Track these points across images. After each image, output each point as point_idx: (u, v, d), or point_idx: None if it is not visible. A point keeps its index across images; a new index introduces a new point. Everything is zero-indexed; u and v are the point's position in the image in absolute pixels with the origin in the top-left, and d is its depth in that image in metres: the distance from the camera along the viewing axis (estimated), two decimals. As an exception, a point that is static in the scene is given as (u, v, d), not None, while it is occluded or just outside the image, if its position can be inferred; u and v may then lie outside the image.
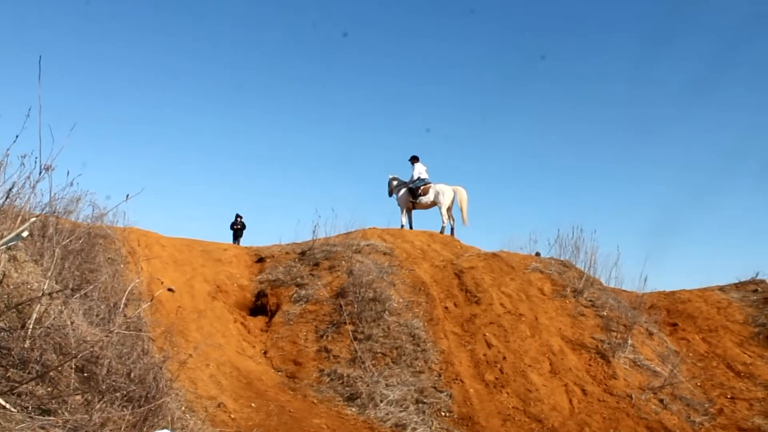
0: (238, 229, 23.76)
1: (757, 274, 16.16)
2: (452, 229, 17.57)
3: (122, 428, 4.56)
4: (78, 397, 4.75)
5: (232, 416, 8.72)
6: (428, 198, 17.65)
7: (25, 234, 5.03)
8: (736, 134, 59.31)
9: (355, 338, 11.84)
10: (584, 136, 68.38)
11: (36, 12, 60.79)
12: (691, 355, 13.16)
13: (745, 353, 13.12)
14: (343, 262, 14.25)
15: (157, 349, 7.71)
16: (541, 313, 13.06)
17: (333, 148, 75.32)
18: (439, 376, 11.01)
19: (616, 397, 10.97)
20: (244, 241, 22.68)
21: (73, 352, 4.84)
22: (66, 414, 4.42)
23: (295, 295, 13.49)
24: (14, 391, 4.35)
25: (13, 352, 4.67)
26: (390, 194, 18.65)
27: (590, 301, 13.84)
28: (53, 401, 4.53)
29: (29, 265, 6.17)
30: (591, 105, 69.21)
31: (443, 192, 17.49)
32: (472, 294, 13.39)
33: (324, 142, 74.35)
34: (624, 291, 15.31)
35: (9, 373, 4.54)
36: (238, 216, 23.98)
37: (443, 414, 10.14)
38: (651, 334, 13.33)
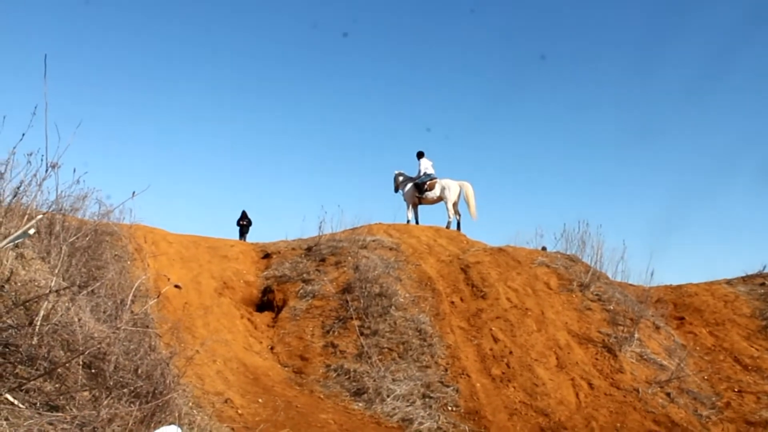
0: (244, 225, 23.76)
1: (764, 268, 16.09)
2: (458, 224, 17.57)
3: (130, 424, 4.58)
4: (86, 393, 4.77)
5: (239, 412, 8.75)
6: (434, 193, 17.65)
7: (32, 231, 5.06)
8: (741, 129, 59.09)
9: (362, 333, 11.86)
10: (588, 133, 68.22)
11: (41, 12, 60.92)
12: (698, 348, 13.13)
13: (752, 347, 13.07)
14: (350, 258, 14.27)
15: (164, 346, 7.72)
16: (548, 307, 13.05)
17: (338, 145, 75.41)
18: (446, 370, 11.03)
19: (623, 391, 10.96)
20: (250, 238, 22.69)
21: (81, 348, 4.86)
22: (74, 410, 4.45)
23: (301, 291, 13.52)
24: (22, 388, 4.38)
25: (21, 349, 4.69)
26: (396, 190, 18.65)
27: (597, 295, 13.82)
28: (61, 397, 4.56)
29: (36, 263, 6.20)
30: (592, 104, 69.07)
31: (449, 187, 17.48)
32: (479, 289, 13.39)
33: (328, 139, 74.50)
34: (630, 285, 15.27)
35: (17, 370, 4.56)
36: (244, 212, 24.00)
37: (450, 408, 10.16)
38: (658, 327, 13.31)
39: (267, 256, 15.48)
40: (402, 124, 72.89)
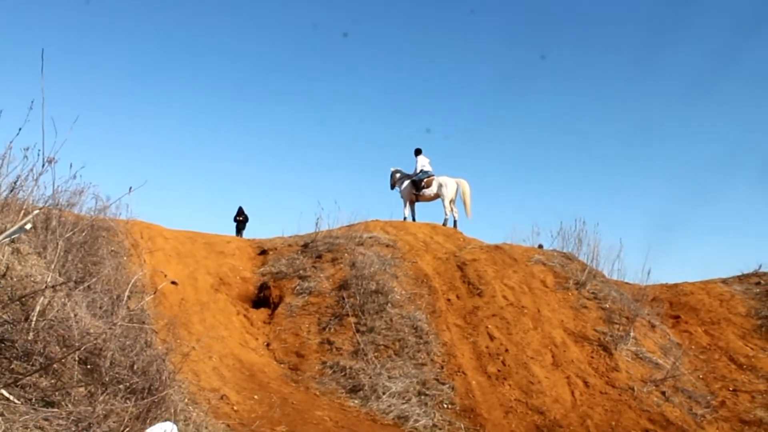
0: (240, 221, 23.71)
1: (760, 267, 16.15)
2: (455, 221, 17.57)
3: (125, 420, 4.58)
4: (81, 389, 4.77)
5: (235, 408, 8.75)
6: (431, 190, 17.66)
7: (28, 227, 5.05)
8: (739, 129, 59.17)
9: (358, 330, 11.87)
10: (586, 131, 68.19)
11: (37, 6, 60.78)
12: (693, 347, 13.17)
13: (747, 346, 13.12)
14: (346, 255, 14.27)
15: (160, 342, 7.73)
16: (544, 305, 13.06)
17: (335, 143, 75.22)
18: (442, 368, 11.04)
19: (618, 389, 10.99)
20: (247, 234, 22.65)
21: (77, 344, 4.86)
22: (69, 406, 4.44)
23: (297, 288, 13.52)
24: (18, 383, 4.37)
25: (16, 345, 4.69)
26: (392, 187, 18.65)
27: (593, 293, 13.84)
28: (57, 393, 4.56)
29: (32, 258, 6.19)
30: (592, 103, 69.04)
31: (446, 184, 17.50)
32: (475, 286, 13.40)
33: (326, 137, 74.22)
34: (627, 283, 15.30)
35: (13, 365, 4.56)
36: (240, 209, 23.97)
37: (445, 406, 10.17)
38: (653, 326, 13.34)
39: (263, 252, 15.47)
40: (402, 123, 72.87)
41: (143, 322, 7.03)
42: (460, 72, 72.12)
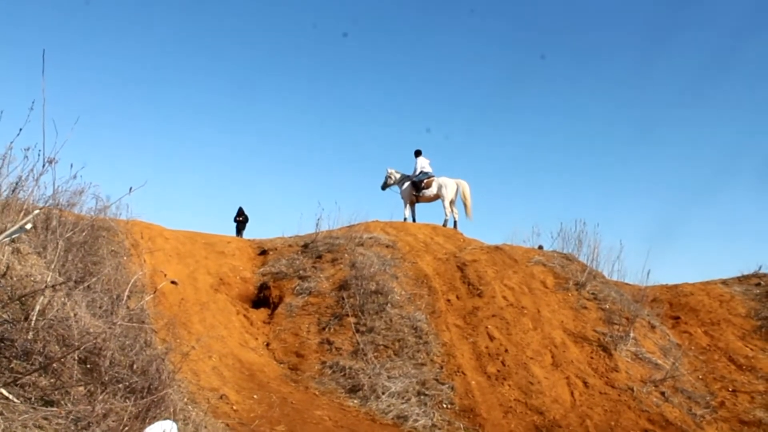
0: (241, 221, 23.72)
1: (760, 268, 16.16)
2: (455, 222, 17.60)
3: (124, 419, 4.59)
4: (81, 389, 4.78)
5: (234, 408, 8.76)
6: (431, 191, 17.70)
7: (28, 226, 5.06)
8: (738, 130, 59.15)
9: (358, 330, 11.88)
10: (588, 133, 68.16)
11: (38, 7, 60.82)
12: (693, 348, 13.17)
13: (747, 346, 13.12)
14: (346, 255, 14.28)
15: (159, 341, 7.75)
16: (544, 305, 13.07)
17: (336, 143, 75.30)
18: (441, 368, 11.05)
19: (618, 389, 10.99)
20: (247, 234, 22.66)
21: (76, 343, 4.87)
22: (69, 405, 4.46)
23: (297, 288, 13.53)
24: (17, 383, 4.39)
25: (16, 344, 4.70)
26: (383, 188, 18.69)
27: (593, 294, 13.85)
28: (56, 392, 4.57)
29: (33, 258, 6.21)
30: (592, 103, 69.02)
31: (446, 185, 17.53)
32: (475, 287, 13.41)
33: (326, 137, 74.27)
34: (626, 284, 15.31)
35: (12, 365, 4.57)
36: (240, 209, 23.98)
37: (445, 406, 10.18)
38: (653, 327, 13.34)
39: (263, 252, 15.49)
40: (402, 123, 72.87)
41: (143, 322, 7.04)
42: (460, 72, 72.16)
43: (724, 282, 15.93)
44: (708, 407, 11.13)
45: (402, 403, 10.09)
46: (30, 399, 4.35)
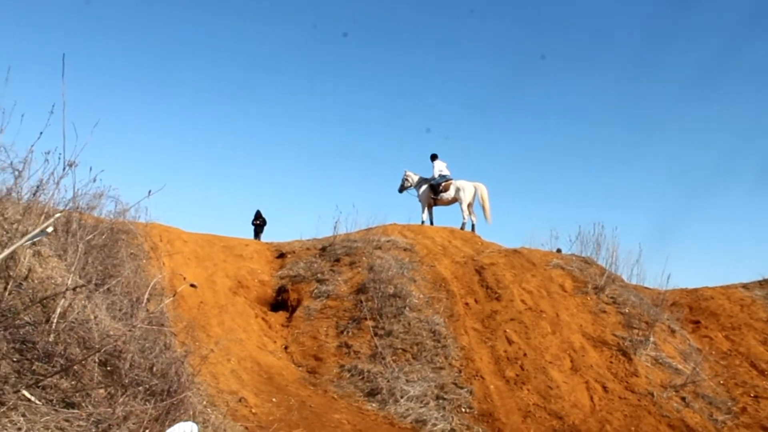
0: (258, 225, 23.81)
1: (781, 272, 15.94)
2: (473, 225, 17.55)
3: (144, 422, 4.61)
4: (101, 391, 4.80)
5: (253, 411, 8.77)
6: (449, 194, 17.67)
7: (49, 230, 5.09)
8: (738, 130, 58.64)
9: (376, 334, 11.86)
10: (592, 134, 67.89)
11: (57, 11, 61.41)
12: (713, 353, 13.02)
13: (769, 351, 12.96)
14: (364, 258, 14.28)
15: (178, 344, 7.78)
16: (562, 309, 12.99)
17: (355, 146, 75.40)
18: (460, 372, 11.01)
19: (638, 394, 10.89)
20: (265, 237, 22.75)
21: (97, 346, 4.90)
22: (89, 407, 4.47)
23: (315, 291, 13.54)
24: (39, 384, 4.41)
25: (37, 346, 4.73)
26: (400, 190, 18.67)
27: (612, 298, 13.74)
28: (77, 394, 4.59)
29: (53, 260, 6.24)
30: (592, 103, 68.73)
31: (464, 188, 17.49)
32: (493, 290, 13.36)
33: (347, 140, 74.47)
34: (646, 288, 15.17)
35: (34, 367, 4.60)
36: (258, 212, 24.06)
37: (463, 410, 10.14)
38: (673, 331, 13.21)
39: (281, 255, 15.52)
40: (401, 123, 72.85)
41: (162, 325, 7.06)
42: (460, 72, 72.15)
43: (745, 286, 15.73)
44: (729, 413, 10.99)
45: (420, 407, 10.06)
46: (51, 401, 4.37)
